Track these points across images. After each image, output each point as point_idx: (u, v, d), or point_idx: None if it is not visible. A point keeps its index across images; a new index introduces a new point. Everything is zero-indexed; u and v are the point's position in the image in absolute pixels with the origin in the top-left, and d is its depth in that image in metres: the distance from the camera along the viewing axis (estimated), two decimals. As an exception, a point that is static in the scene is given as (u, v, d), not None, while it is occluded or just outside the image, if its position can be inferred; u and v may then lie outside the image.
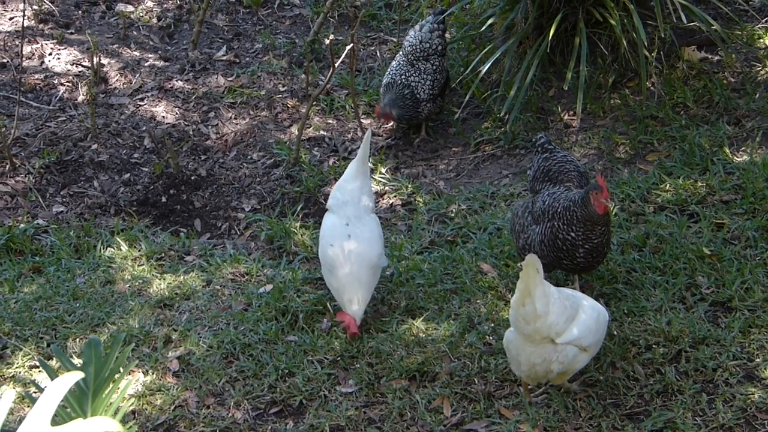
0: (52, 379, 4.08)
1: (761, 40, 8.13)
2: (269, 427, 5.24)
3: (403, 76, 7.90)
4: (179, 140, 8.31)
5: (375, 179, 7.64)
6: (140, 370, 5.66)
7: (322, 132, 8.34)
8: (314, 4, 9.92)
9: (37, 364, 5.70)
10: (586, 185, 5.89)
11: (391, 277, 6.22)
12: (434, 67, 7.89)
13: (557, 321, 4.78)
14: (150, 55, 9.38)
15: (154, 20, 9.87)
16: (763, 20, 8.32)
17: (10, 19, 9.84)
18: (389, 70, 8.08)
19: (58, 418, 3.79)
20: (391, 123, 8.09)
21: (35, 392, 5.17)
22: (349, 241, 5.78)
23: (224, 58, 9.31)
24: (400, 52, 8.09)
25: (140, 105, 8.74)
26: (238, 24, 9.84)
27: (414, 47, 7.91)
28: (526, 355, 4.89)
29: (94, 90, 8.63)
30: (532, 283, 4.69)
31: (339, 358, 5.62)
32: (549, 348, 4.84)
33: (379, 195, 7.54)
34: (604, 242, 5.54)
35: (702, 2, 8.12)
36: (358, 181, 5.98)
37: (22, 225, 7.33)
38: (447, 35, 8.22)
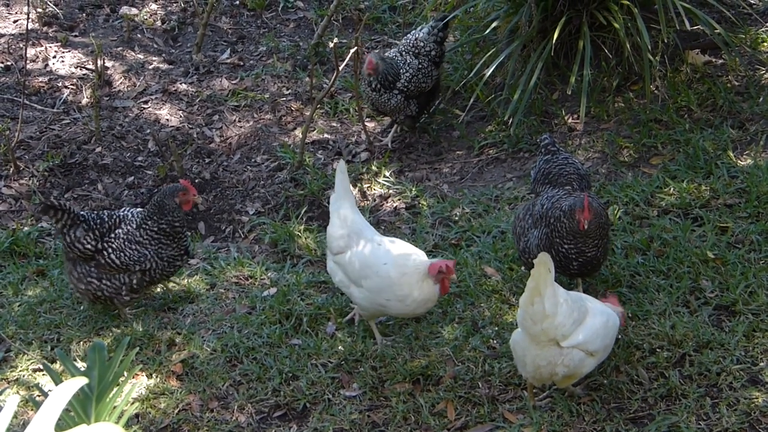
0: (56, 383, 4.09)
1: (765, 44, 8.13)
2: (273, 431, 5.24)
3: (397, 57, 7.94)
4: (183, 143, 8.31)
5: (379, 182, 7.64)
6: (144, 374, 5.66)
7: (326, 135, 8.34)
8: (318, 7, 9.93)
9: (41, 367, 5.70)
10: (587, 188, 5.90)
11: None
12: (419, 66, 7.88)
13: (564, 323, 4.76)
14: (154, 58, 9.38)
15: (159, 23, 9.88)
16: (767, 24, 8.31)
17: (15, 21, 9.85)
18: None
19: (62, 422, 3.80)
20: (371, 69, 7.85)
21: (39, 396, 5.17)
22: (397, 255, 5.56)
23: (228, 61, 9.32)
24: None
25: (144, 108, 8.75)
26: (242, 27, 9.84)
27: (408, 41, 7.99)
28: (532, 357, 4.88)
29: (98, 93, 8.64)
30: (542, 282, 4.67)
31: (343, 362, 5.61)
32: (555, 351, 4.82)
33: (383, 198, 7.54)
34: (599, 254, 5.56)
35: (706, 6, 8.11)
36: (354, 211, 5.76)
37: (26, 228, 7.34)
38: (448, 41, 8.20)
